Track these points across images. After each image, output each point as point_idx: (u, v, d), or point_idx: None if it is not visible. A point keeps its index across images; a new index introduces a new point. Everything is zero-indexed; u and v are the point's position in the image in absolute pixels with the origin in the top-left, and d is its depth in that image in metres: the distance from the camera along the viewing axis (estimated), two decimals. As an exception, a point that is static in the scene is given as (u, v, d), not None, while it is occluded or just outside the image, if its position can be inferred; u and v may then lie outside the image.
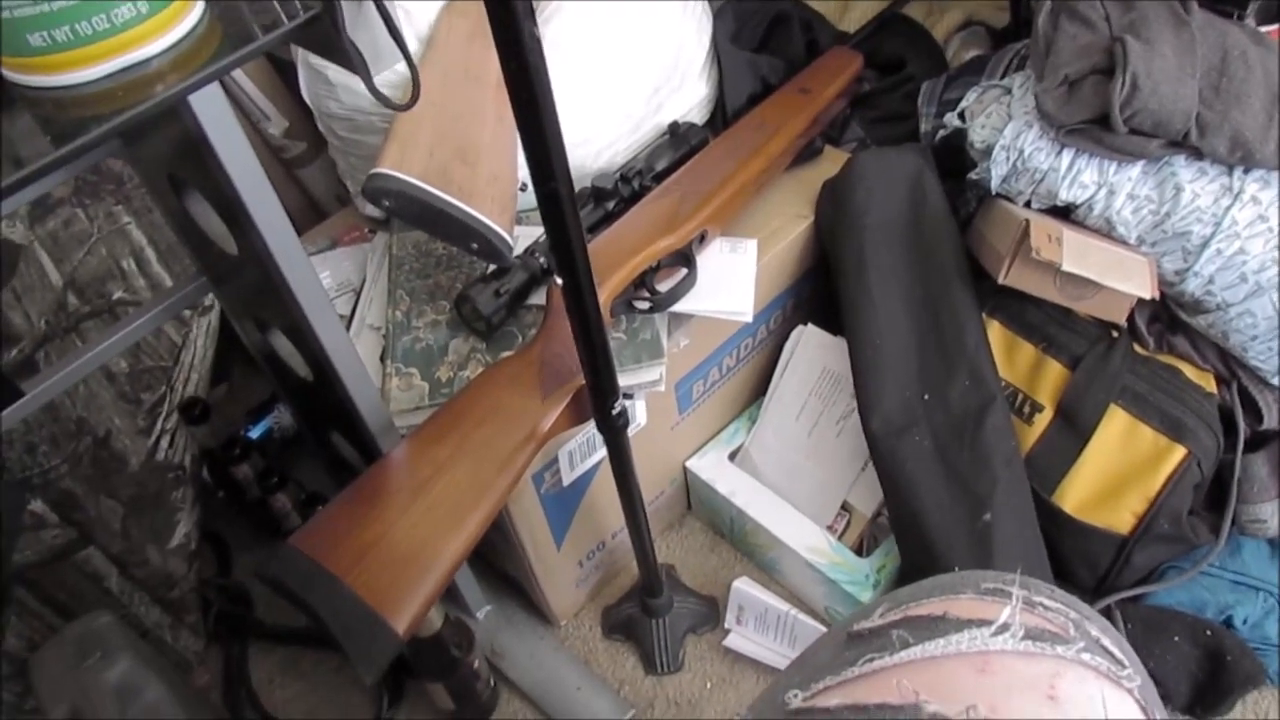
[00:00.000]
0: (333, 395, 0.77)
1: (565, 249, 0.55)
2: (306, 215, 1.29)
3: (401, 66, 0.90)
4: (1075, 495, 0.92)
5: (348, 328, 0.95)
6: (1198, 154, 0.87)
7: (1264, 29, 1.03)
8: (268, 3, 0.41)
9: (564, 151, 0.51)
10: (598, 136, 0.97)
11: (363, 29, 0.42)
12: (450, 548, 0.67)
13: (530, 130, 0.48)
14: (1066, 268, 0.83)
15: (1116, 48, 0.85)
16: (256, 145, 1.21)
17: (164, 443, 1.07)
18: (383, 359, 0.89)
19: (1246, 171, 0.87)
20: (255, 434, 1.19)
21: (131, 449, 1.03)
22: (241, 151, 0.55)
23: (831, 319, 1.02)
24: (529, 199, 0.85)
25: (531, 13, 0.43)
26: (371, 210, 1.05)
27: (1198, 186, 0.87)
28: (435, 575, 0.66)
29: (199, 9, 0.41)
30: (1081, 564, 0.96)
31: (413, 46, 0.91)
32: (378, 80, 0.47)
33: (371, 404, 0.77)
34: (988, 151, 0.94)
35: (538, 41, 0.44)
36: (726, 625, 1.04)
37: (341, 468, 0.98)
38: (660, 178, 0.94)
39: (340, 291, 1.01)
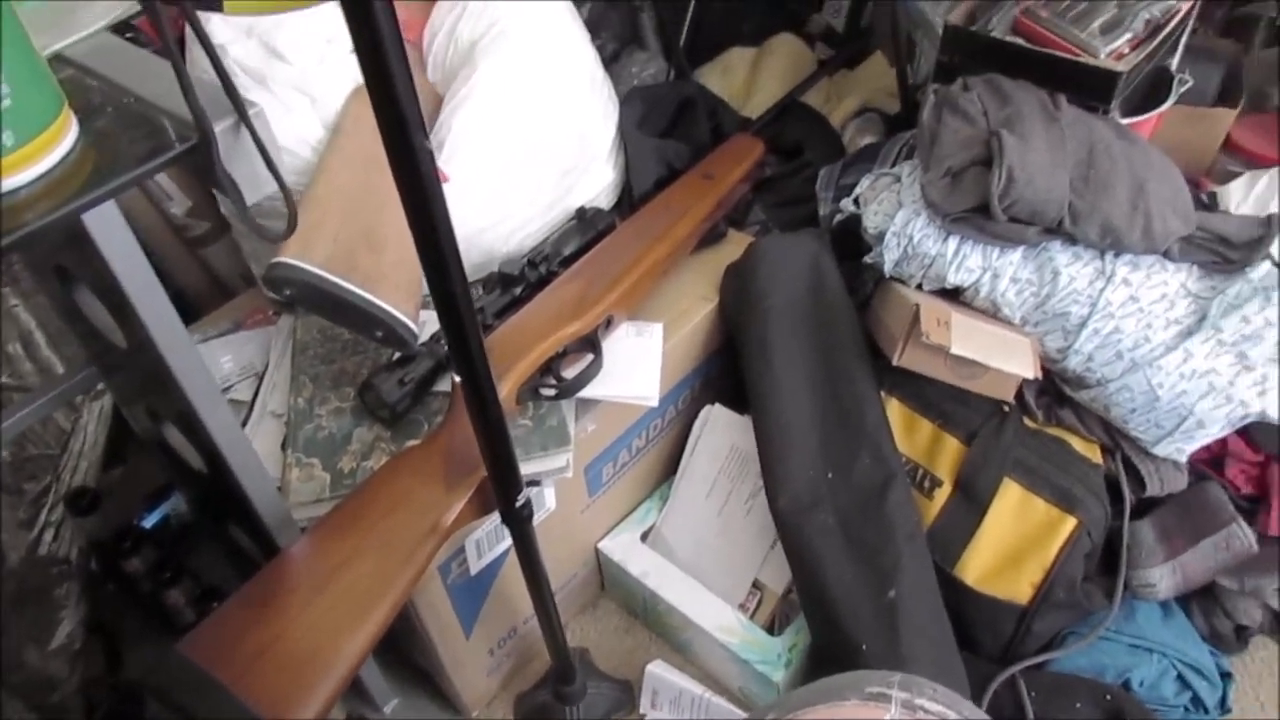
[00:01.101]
0: (228, 489, 0.75)
1: (463, 349, 0.56)
2: (211, 295, 1.26)
3: (307, 154, 0.90)
4: (976, 568, 0.95)
5: (249, 414, 0.93)
6: (1072, 240, 0.92)
7: (1129, 120, 1.11)
8: (145, 130, 0.41)
9: (459, 254, 0.52)
10: (506, 220, 0.98)
11: (242, 158, 0.42)
12: (351, 646, 0.66)
13: (425, 236, 0.49)
14: (955, 351, 0.87)
15: (994, 142, 0.90)
16: (158, 225, 1.19)
17: (48, 535, 1.02)
18: (284, 447, 0.87)
19: (1117, 256, 0.92)
20: (150, 523, 1.14)
21: (11, 543, 0.98)
22: (128, 251, 0.54)
23: (739, 398, 1.04)
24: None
25: (423, 126, 0.44)
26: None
27: (1073, 270, 0.92)
28: (335, 676, 0.64)
29: (71, 138, 0.41)
30: (986, 634, 0.99)
31: (319, 134, 0.91)
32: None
33: (268, 499, 0.75)
34: (881, 237, 0.98)
35: (429, 153, 0.45)
36: (642, 710, 1.03)
37: (241, 557, 0.94)
38: (568, 262, 0.96)
39: (243, 376, 0.98)
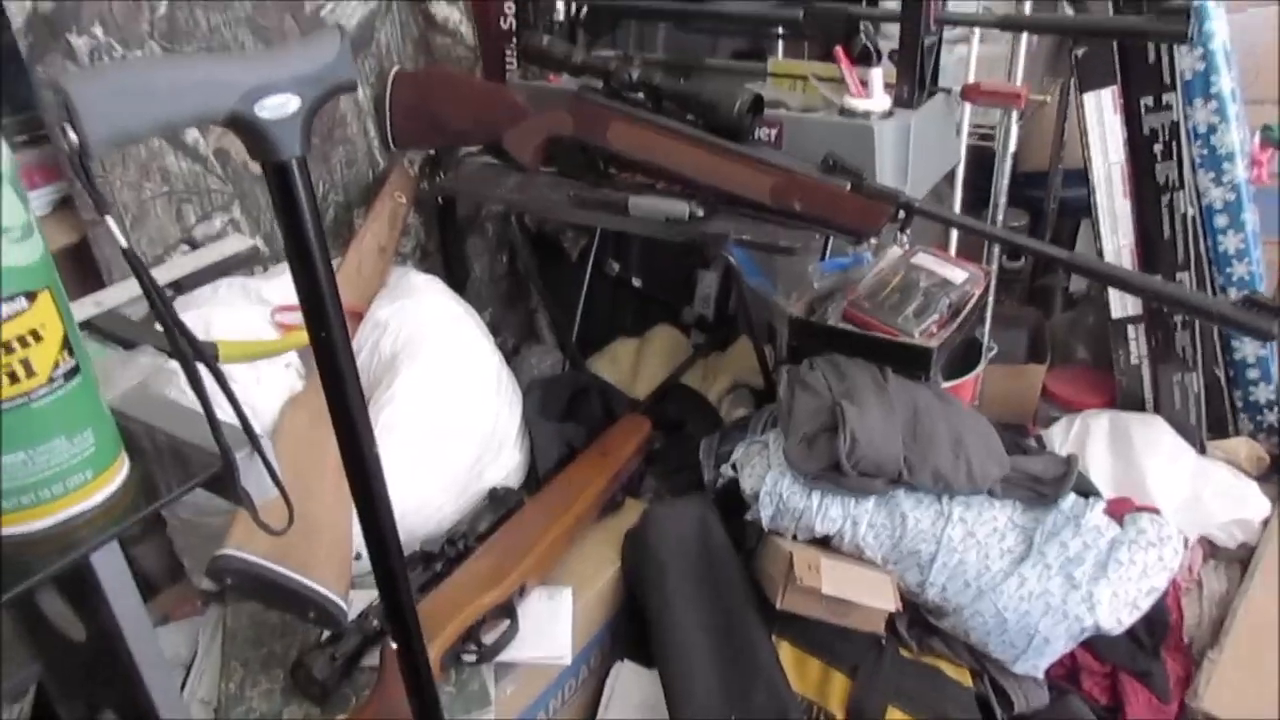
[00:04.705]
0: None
1: (399, 617, 0.66)
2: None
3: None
4: (874, 797, 1.02)
5: (178, 706, 0.97)
6: (913, 487, 1.09)
7: (950, 383, 1.33)
8: (176, 460, 0.54)
9: (398, 539, 0.63)
10: (427, 504, 1.10)
11: (251, 474, 0.55)
12: None
13: (370, 526, 0.61)
14: (826, 591, 1.00)
15: (837, 411, 1.09)
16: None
17: None
18: (214, 735, 0.92)
19: (951, 498, 1.09)
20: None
21: None
22: (110, 551, 0.63)
23: (646, 653, 1.12)
24: (360, 565, 0.95)
25: (373, 439, 0.58)
26: (207, 584, 1.11)
27: (918, 513, 1.08)
28: None
29: (125, 470, 0.53)
30: None
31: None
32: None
33: (208, 780, 0.79)
34: (756, 496, 1.13)
35: (378, 461, 0.58)
36: None
37: None
38: (483, 537, 1.07)
39: (170, 666, 1.03)
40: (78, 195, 1.05)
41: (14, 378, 0.46)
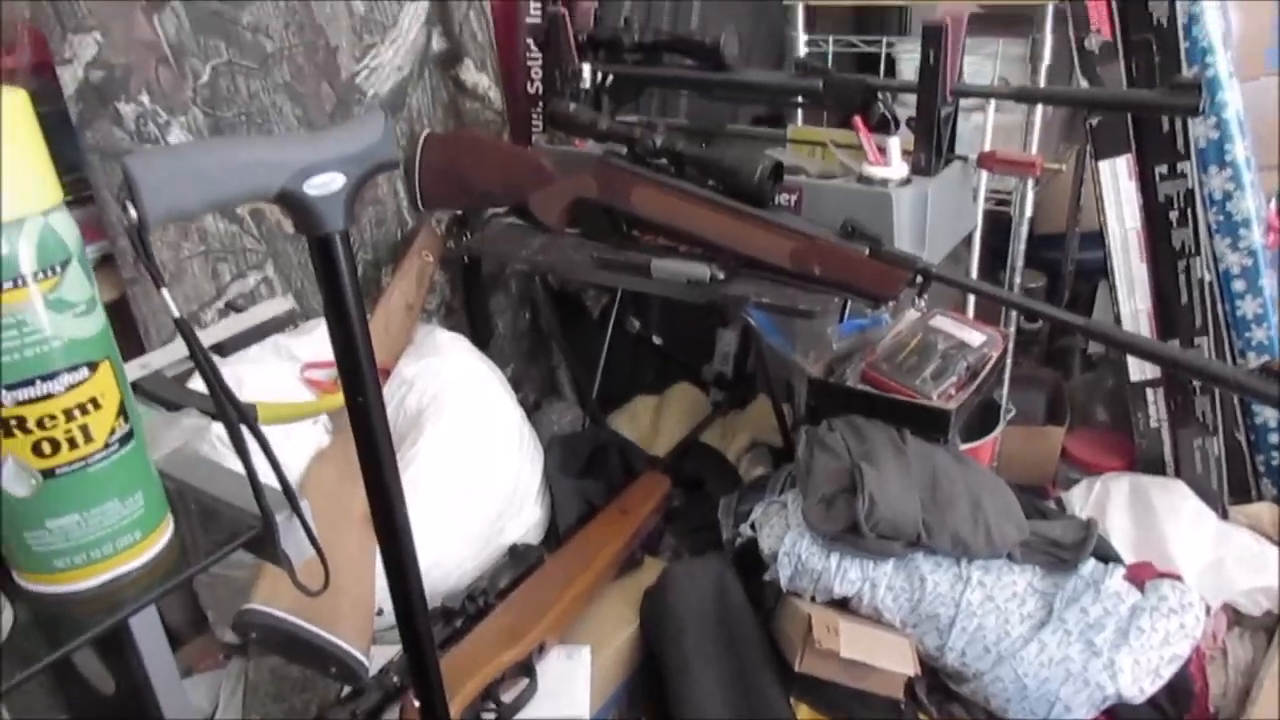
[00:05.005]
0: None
1: (423, 673, 0.67)
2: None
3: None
4: None
5: (198, 761, 0.98)
6: (932, 551, 1.10)
7: (969, 445, 1.34)
8: (217, 521, 0.56)
9: (424, 597, 0.65)
10: (448, 560, 1.11)
11: (288, 535, 0.57)
12: None
13: (398, 584, 0.62)
14: (844, 654, 1.00)
15: (856, 473, 1.10)
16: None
17: None
18: (234, 790, 0.92)
19: (970, 561, 1.09)
20: None
21: None
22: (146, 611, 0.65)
23: (663, 711, 1.12)
24: (381, 621, 0.97)
25: (404, 501, 0.59)
26: (230, 637, 1.12)
27: (936, 576, 1.08)
28: None
29: (170, 531, 0.56)
30: None
31: (283, 493, 1.05)
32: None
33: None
34: (775, 556, 1.14)
35: (408, 521, 0.60)
36: None
37: None
38: (503, 594, 1.08)
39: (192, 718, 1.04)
40: (119, 254, 1.09)
41: (73, 444, 0.49)
